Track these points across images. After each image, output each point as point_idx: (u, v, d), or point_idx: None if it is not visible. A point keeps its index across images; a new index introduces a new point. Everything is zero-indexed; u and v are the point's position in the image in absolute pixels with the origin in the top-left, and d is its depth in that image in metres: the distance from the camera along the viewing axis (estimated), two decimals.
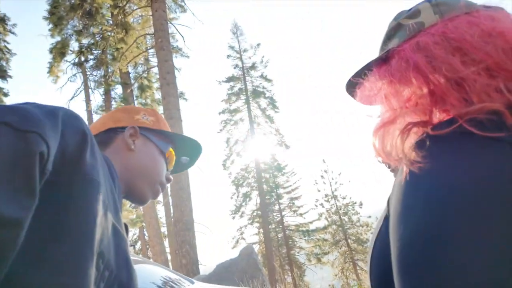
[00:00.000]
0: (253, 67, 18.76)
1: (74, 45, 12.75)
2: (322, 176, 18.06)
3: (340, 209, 17.53)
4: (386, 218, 0.44)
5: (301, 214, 17.88)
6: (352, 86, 0.58)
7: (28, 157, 0.35)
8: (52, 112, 0.42)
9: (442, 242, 0.30)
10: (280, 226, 17.68)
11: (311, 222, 17.67)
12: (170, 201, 8.43)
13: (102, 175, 0.48)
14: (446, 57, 0.40)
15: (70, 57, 12.80)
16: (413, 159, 0.36)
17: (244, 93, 18.32)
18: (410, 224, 0.34)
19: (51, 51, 12.09)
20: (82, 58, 12.96)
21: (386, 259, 0.43)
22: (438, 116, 0.42)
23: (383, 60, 0.49)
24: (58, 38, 11.99)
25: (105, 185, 0.49)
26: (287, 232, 17.48)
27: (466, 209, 0.30)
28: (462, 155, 0.34)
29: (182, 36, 10.62)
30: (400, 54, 0.45)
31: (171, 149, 0.74)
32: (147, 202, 0.70)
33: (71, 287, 0.38)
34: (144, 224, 13.91)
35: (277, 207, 18.18)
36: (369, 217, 16.84)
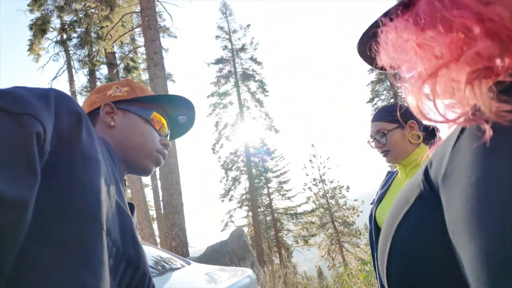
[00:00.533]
0: (242, 49, 18.42)
1: (55, 22, 12.16)
2: (310, 161, 18.28)
3: (328, 193, 17.87)
4: (421, 198, 0.36)
5: (289, 198, 18.16)
6: (365, 49, 0.47)
7: (25, 139, 0.35)
8: (43, 94, 0.42)
9: None
10: (269, 209, 17.93)
11: (299, 205, 17.99)
12: (159, 184, 8.38)
13: (101, 154, 0.47)
14: None
15: (52, 35, 12.24)
16: (499, 109, 0.26)
17: (234, 76, 18.07)
18: None
19: (31, 27, 11.50)
20: (65, 36, 12.40)
21: (416, 246, 0.37)
22: (503, 64, 0.31)
23: (406, 7, 0.38)
24: (38, 14, 11.39)
25: (105, 164, 0.48)
26: (275, 215, 17.76)
27: None
28: None
29: (170, 15, 10.23)
30: None
31: (155, 113, 0.71)
32: (151, 171, 0.69)
33: (79, 262, 0.38)
34: None
35: (266, 190, 18.37)
36: (356, 200, 17.26)
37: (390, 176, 1.27)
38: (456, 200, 0.27)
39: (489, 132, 0.26)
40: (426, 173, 0.35)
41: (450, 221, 0.28)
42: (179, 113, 0.77)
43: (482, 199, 0.24)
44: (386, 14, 0.41)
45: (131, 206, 0.61)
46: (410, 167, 1.16)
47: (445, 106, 0.33)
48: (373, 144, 1.22)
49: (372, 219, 1.19)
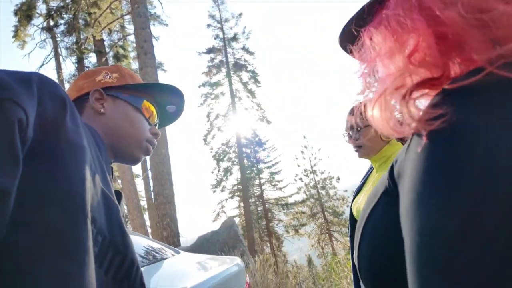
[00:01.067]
0: (234, 38, 18.20)
1: (41, 8, 11.78)
2: (302, 152, 18.39)
3: (318, 183, 18.07)
4: (386, 193, 0.37)
5: (280, 188, 18.30)
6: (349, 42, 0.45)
7: (7, 125, 0.34)
8: (25, 79, 0.40)
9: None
10: (260, 200, 18.06)
11: (290, 196, 18.17)
12: (150, 175, 8.34)
13: (86, 141, 0.46)
14: None
15: (38, 21, 11.86)
16: (430, 117, 0.27)
17: (225, 66, 17.89)
18: (444, 203, 0.23)
19: (15, 13, 11.12)
20: (52, 23, 12.03)
21: (380, 239, 0.39)
22: (458, 69, 0.32)
23: (380, 3, 0.37)
24: None
25: (90, 151, 0.47)
26: (266, 205, 17.91)
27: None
28: (503, 107, 0.24)
29: (160, 2, 10.05)
30: None
31: (146, 102, 0.70)
32: (140, 160, 0.68)
33: (62, 250, 0.37)
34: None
35: (257, 181, 18.46)
36: (345, 191, 17.50)
37: (370, 169, 1.30)
38: (402, 199, 0.29)
39: (424, 140, 0.27)
40: (391, 170, 0.36)
41: (400, 216, 0.30)
42: (168, 102, 0.76)
43: (416, 203, 0.25)
44: (360, 15, 0.40)
45: (118, 195, 0.60)
46: (380, 162, 1.20)
47: (394, 120, 0.34)
48: (347, 138, 1.25)
49: (349, 209, 1.23)
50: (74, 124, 0.44)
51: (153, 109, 0.72)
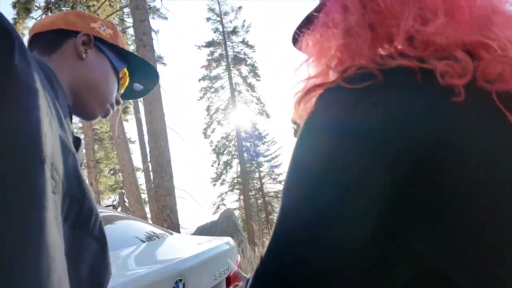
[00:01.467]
0: (234, 31, 18.13)
1: (40, 1, 11.76)
2: None
3: None
4: None
5: (280, 182, 18.39)
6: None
7: None
8: None
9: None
10: (260, 193, 18.18)
11: None
12: (150, 167, 8.40)
13: (39, 81, 0.41)
14: (351, 4, 0.37)
15: (37, 14, 11.85)
16: (307, 113, 0.36)
17: (225, 59, 17.85)
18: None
19: (14, 5, 11.13)
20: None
21: None
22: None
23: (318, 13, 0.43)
24: None
25: (44, 93, 0.42)
26: (266, 198, 18.03)
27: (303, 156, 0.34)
28: (326, 106, 0.34)
29: None
30: (326, 5, 0.41)
31: (125, 69, 0.70)
32: (94, 119, 0.67)
33: (19, 195, 0.34)
34: (124, 191, 13.88)
35: (257, 174, 18.55)
36: None
37: None
38: None
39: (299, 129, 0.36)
40: None
41: None
42: (139, 79, 0.76)
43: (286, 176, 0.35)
44: (307, 23, 0.46)
45: (77, 140, 0.56)
46: None
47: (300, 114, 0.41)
48: (293, 132, 1.29)
49: None
50: (24, 62, 0.38)
51: (127, 79, 0.71)
